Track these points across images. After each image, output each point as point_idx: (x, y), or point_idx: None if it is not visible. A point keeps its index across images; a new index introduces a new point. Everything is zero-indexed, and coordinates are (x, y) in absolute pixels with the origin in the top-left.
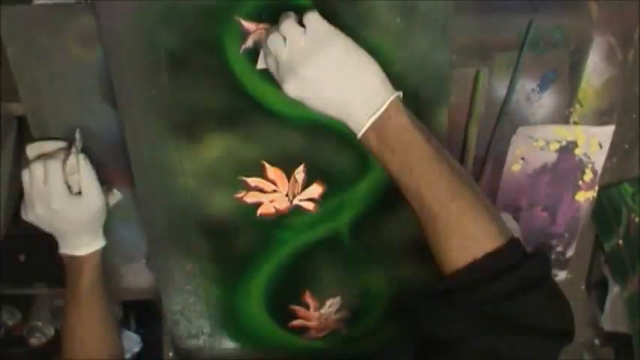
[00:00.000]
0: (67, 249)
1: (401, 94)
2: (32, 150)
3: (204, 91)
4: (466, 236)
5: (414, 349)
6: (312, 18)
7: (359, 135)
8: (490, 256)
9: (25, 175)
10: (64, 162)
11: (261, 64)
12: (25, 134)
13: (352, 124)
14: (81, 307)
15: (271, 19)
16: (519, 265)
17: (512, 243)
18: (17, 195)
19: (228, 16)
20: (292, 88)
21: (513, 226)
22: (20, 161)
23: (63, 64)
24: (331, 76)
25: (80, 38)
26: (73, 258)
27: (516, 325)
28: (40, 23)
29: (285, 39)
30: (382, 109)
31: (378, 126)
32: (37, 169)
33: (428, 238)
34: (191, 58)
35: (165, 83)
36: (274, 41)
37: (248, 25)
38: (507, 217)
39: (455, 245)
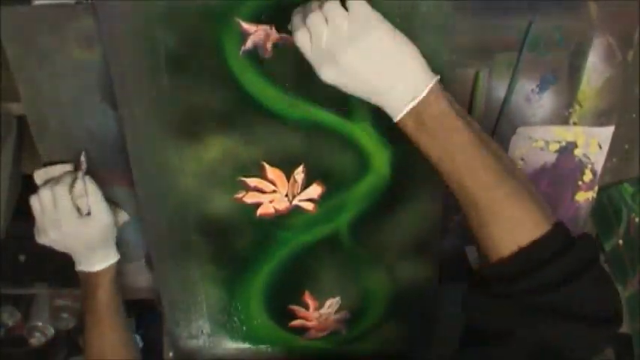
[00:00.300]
0: (82, 266)
1: (439, 77)
2: (39, 176)
3: (203, 92)
4: (511, 223)
5: (459, 340)
6: (357, 2)
7: (396, 119)
8: (536, 244)
9: (35, 202)
10: (72, 186)
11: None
12: (25, 134)
13: (389, 110)
14: (100, 321)
15: (271, 20)
16: (565, 252)
17: (558, 228)
18: (17, 195)
19: (228, 18)
20: (330, 74)
21: None
22: (20, 161)
23: (63, 65)
24: (372, 63)
25: (80, 39)
26: (89, 274)
27: (564, 314)
28: (40, 23)
29: (326, 20)
30: (422, 95)
31: (416, 112)
32: (46, 195)
33: (471, 225)
34: (191, 59)
35: (165, 84)
36: (316, 22)
37: (247, 26)
38: None
39: (499, 233)
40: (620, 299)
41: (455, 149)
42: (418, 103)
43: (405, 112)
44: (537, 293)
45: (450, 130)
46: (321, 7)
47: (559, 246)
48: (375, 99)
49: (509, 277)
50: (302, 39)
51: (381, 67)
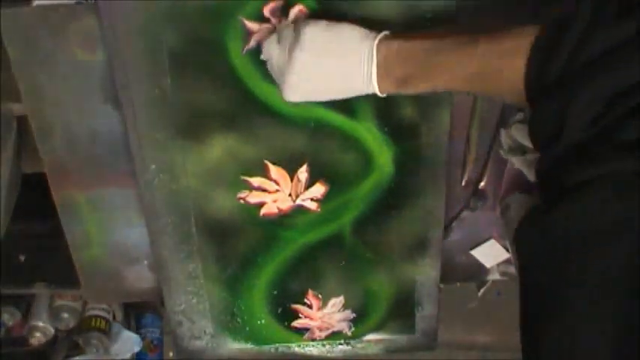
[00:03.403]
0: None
1: (384, 33)
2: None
3: (207, 92)
4: (510, 48)
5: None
6: (300, 20)
7: (380, 94)
8: (542, 31)
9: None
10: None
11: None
12: (25, 134)
13: (365, 91)
14: None
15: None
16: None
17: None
18: (17, 195)
19: (231, 17)
20: (287, 95)
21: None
22: (20, 161)
23: (64, 65)
24: (315, 66)
25: (82, 39)
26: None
27: (612, 54)
28: (40, 24)
29: (278, 41)
30: (374, 61)
31: (384, 74)
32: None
33: (493, 93)
34: (194, 58)
35: (167, 84)
36: (268, 46)
37: (251, 25)
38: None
39: (509, 62)
40: None
41: (432, 64)
42: (378, 67)
43: (375, 85)
44: (577, 55)
45: (416, 58)
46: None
47: (562, 18)
48: (348, 94)
49: (543, 68)
50: (269, 67)
51: (326, 66)
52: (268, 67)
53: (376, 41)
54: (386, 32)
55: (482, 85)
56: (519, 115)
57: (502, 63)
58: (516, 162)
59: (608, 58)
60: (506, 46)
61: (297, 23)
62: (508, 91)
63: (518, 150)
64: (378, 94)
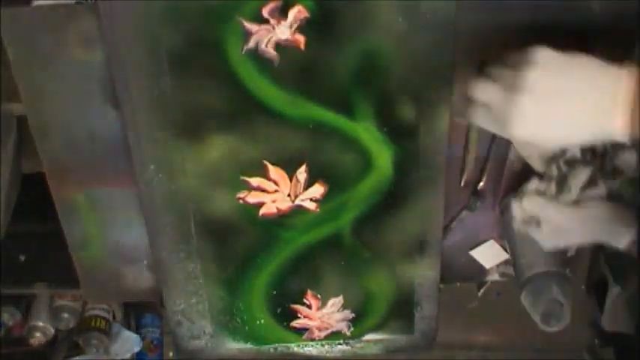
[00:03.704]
0: None
1: (630, 69)
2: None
3: (206, 92)
4: None
5: None
6: (516, 57)
7: (631, 137)
8: None
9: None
10: None
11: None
12: (25, 134)
13: (611, 133)
14: None
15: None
16: None
17: None
18: (17, 195)
19: (230, 17)
20: (518, 130)
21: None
22: (20, 161)
23: (64, 65)
24: (552, 97)
25: (81, 39)
26: None
27: None
28: (40, 24)
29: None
30: (626, 96)
31: (637, 111)
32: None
33: None
34: (193, 58)
35: (167, 84)
36: (483, 88)
37: (250, 25)
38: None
39: None
40: None
41: None
42: (631, 104)
43: (626, 123)
44: None
45: None
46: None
47: None
48: (592, 135)
49: None
50: (479, 114)
51: (564, 97)
52: (483, 93)
53: (627, 68)
54: (627, 69)
55: None
56: (531, 185)
57: None
58: (532, 233)
59: None
60: None
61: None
62: None
63: (533, 221)
64: (624, 136)
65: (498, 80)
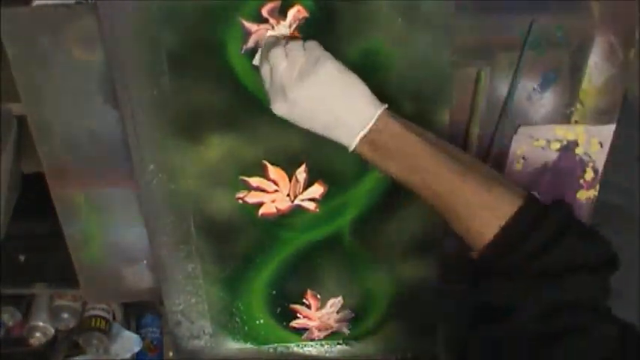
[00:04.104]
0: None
1: (386, 106)
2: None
3: (205, 92)
4: (487, 210)
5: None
6: (312, 44)
7: (350, 149)
8: (514, 218)
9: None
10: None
11: (256, 62)
12: (25, 134)
13: (343, 141)
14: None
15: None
16: (543, 218)
17: (530, 201)
18: (17, 195)
19: (230, 17)
20: (279, 108)
21: None
22: (20, 161)
23: (64, 65)
24: (320, 99)
25: (81, 39)
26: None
27: (560, 273)
28: (40, 24)
29: (286, 56)
30: (370, 124)
31: (369, 139)
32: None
33: (451, 225)
34: (192, 58)
35: (166, 84)
36: (276, 55)
37: (249, 25)
38: None
39: (478, 222)
40: (609, 243)
41: (413, 163)
42: (368, 132)
43: (355, 142)
44: (529, 263)
45: (404, 149)
46: (286, 43)
47: (535, 215)
48: (327, 133)
49: (499, 257)
50: (264, 71)
51: (327, 104)
52: (264, 72)
53: (380, 110)
54: (385, 106)
55: (446, 211)
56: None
57: (477, 212)
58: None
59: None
60: (487, 201)
61: (310, 46)
62: (466, 232)
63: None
64: (349, 147)
65: (290, 54)
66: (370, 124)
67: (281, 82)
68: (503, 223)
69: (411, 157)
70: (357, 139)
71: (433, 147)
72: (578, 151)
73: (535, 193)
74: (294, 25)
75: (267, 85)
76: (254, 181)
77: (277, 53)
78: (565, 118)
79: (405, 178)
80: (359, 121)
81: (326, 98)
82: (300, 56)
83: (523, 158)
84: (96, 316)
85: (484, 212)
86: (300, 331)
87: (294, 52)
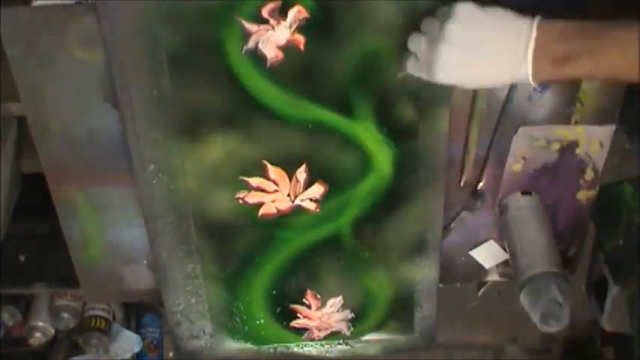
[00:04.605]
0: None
1: (538, 18)
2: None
3: (205, 92)
4: None
5: None
6: (441, 10)
7: (532, 80)
8: None
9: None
10: None
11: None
12: (25, 134)
13: (519, 76)
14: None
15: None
16: None
17: None
18: (17, 195)
19: (230, 17)
20: (437, 73)
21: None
22: (20, 161)
23: (63, 65)
24: (467, 42)
25: (81, 39)
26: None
27: None
28: (40, 24)
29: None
30: (533, 37)
31: (541, 53)
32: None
33: None
34: (193, 58)
35: (166, 84)
36: (413, 39)
37: (249, 25)
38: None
39: None
40: None
41: (599, 53)
42: (537, 46)
43: (530, 70)
44: None
45: (582, 45)
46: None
47: None
48: (499, 79)
49: None
50: (410, 63)
51: (480, 34)
52: (413, 45)
53: (537, 19)
54: (537, 18)
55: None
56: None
57: None
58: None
59: None
60: None
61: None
62: None
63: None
64: (530, 80)
65: (425, 32)
66: (533, 38)
67: (428, 47)
68: None
69: (593, 37)
70: (529, 60)
71: (604, 21)
72: (579, 151)
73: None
74: (294, 26)
75: (421, 71)
76: (254, 181)
77: (413, 39)
78: (565, 118)
79: (601, 65)
80: (520, 41)
81: (474, 35)
82: (439, 18)
83: (523, 158)
84: (96, 316)
85: None
86: (301, 331)
87: (427, 23)
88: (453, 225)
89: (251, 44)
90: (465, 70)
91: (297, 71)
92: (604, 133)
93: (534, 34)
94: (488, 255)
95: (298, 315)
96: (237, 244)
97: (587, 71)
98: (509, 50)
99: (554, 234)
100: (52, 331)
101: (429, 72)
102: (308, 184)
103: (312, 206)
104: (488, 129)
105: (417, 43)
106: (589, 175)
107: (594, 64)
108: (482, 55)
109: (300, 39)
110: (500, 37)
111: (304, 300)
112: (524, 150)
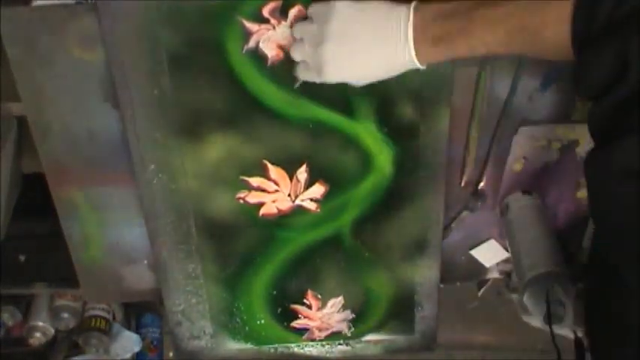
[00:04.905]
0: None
1: (415, 2)
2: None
3: (206, 92)
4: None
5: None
6: (313, 8)
7: (419, 63)
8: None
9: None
10: None
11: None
12: (25, 134)
13: (409, 63)
14: None
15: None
16: None
17: None
18: (17, 195)
19: (230, 17)
20: (327, 73)
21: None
22: (20, 161)
23: (64, 65)
24: (350, 36)
25: (81, 39)
26: None
27: None
28: (40, 23)
29: (302, 40)
30: (410, 21)
31: (420, 34)
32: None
33: (535, 47)
34: (193, 58)
35: (167, 84)
36: (296, 48)
37: (250, 25)
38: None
39: (553, 13)
40: None
41: (470, 28)
42: (415, 37)
43: (413, 55)
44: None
45: (458, 23)
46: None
47: None
48: (386, 71)
49: (588, 19)
50: (300, 68)
51: (362, 27)
52: (297, 54)
53: (413, 4)
54: (413, 3)
55: (524, 40)
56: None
57: (546, 13)
58: (533, 322)
59: None
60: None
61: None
62: (552, 44)
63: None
64: (417, 63)
65: (304, 36)
66: (410, 21)
67: (313, 48)
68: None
69: (465, 16)
70: (410, 43)
71: (476, 3)
72: (579, 150)
73: None
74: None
75: (310, 75)
76: (255, 181)
77: (296, 47)
78: (565, 118)
79: (477, 42)
80: (400, 26)
81: (356, 28)
82: (320, 14)
83: (524, 158)
84: (96, 316)
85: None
86: (301, 332)
87: (303, 30)
88: (453, 225)
89: (252, 44)
90: (354, 64)
91: None
92: None
93: (411, 18)
94: (488, 254)
95: (299, 315)
96: (237, 244)
97: (465, 50)
98: (392, 38)
99: (555, 233)
100: (52, 331)
101: (319, 74)
102: (308, 184)
103: (312, 206)
104: (488, 129)
105: (299, 51)
106: None
107: (467, 42)
108: (367, 48)
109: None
110: (381, 26)
111: (305, 300)
112: (524, 150)
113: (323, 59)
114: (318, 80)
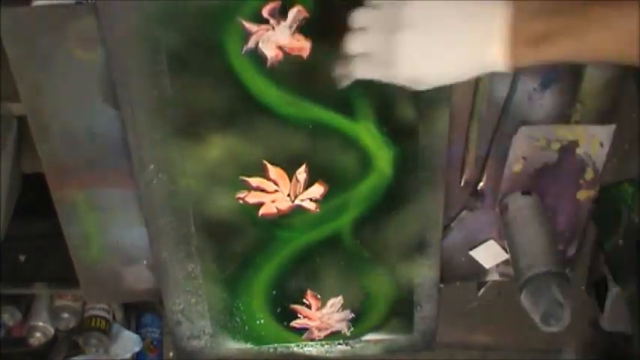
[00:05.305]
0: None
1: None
2: None
3: (205, 92)
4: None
5: None
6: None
7: (504, 66)
8: None
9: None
10: None
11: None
12: (25, 134)
13: (493, 65)
14: None
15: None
16: None
17: None
18: (17, 195)
19: (230, 17)
20: (402, 69)
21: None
22: (20, 161)
23: (64, 65)
24: (432, 31)
25: (81, 39)
26: None
27: None
28: (40, 23)
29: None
30: (503, 23)
31: (514, 32)
32: None
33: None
34: (193, 58)
35: (166, 84)
36: (357, 38)
37: (250, 25)
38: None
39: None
40: None
41: (590, 19)
42: (508, 36)
43: (503, 55)
44: None
45: (567, 21)
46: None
47: None
48: (470, 70)
49: None
50: (354, 44)
51: (444, 31)
52: (358, 44)
53: (506, 3)
54: None
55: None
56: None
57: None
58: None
59: None
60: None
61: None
62: None
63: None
64: (504, 67)
65: (372, 25)
66: (505, 12)
67: (384, 37)
68: None
69: (578, 12)
70: (497, 41)
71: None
72: (579, 151)
73: None
74: (294, 26)
75: (373, 72)
76: (254, 181)
77: (356, 38)
78: (565, 118)
79: (585, 45)
80: (487, 20)
81: (435, 32)
82: (374, 16)
83: (523, 158)
84: (96, 316)
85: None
86: (301, 331)
87: (366, 19)
88: (453, 225)
89: (251, 44)
90: (434, 60)
91: (298, 71)
92: (604, 133)
93: (506, 11)
94: (488, 255)
95: (298, 315)
96: (237, 244)
97: (572, 53)
98: (478, 32)
99: (554, 234)
100: (52, 331)
101: (388, 68)
102: (308, 184)
103: (312, 206)
104: (488, 129)
105: (362, 42)
106: (589, 175)
107: (580, 43)
108: (453, 40)
109: (306, 46)
110: (467, 16)
111: (304, 300)
112: (524, 150)
113: (398, 50)
114: (383, 77)
